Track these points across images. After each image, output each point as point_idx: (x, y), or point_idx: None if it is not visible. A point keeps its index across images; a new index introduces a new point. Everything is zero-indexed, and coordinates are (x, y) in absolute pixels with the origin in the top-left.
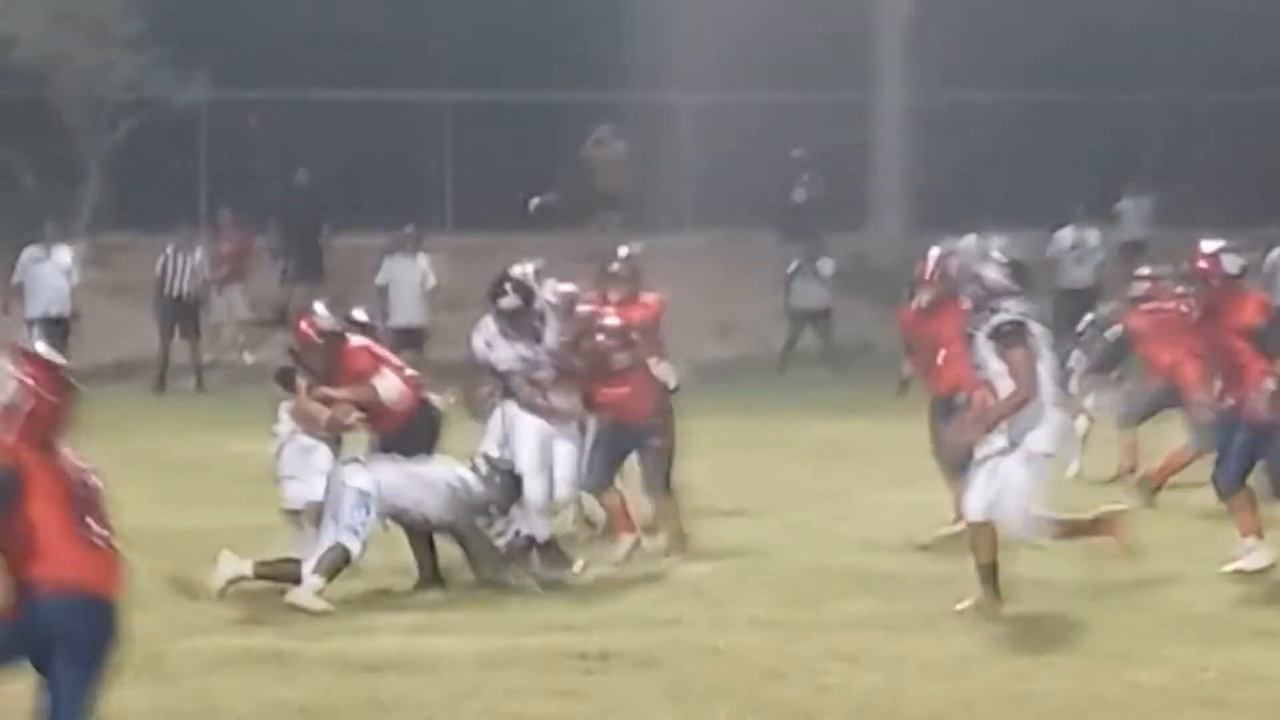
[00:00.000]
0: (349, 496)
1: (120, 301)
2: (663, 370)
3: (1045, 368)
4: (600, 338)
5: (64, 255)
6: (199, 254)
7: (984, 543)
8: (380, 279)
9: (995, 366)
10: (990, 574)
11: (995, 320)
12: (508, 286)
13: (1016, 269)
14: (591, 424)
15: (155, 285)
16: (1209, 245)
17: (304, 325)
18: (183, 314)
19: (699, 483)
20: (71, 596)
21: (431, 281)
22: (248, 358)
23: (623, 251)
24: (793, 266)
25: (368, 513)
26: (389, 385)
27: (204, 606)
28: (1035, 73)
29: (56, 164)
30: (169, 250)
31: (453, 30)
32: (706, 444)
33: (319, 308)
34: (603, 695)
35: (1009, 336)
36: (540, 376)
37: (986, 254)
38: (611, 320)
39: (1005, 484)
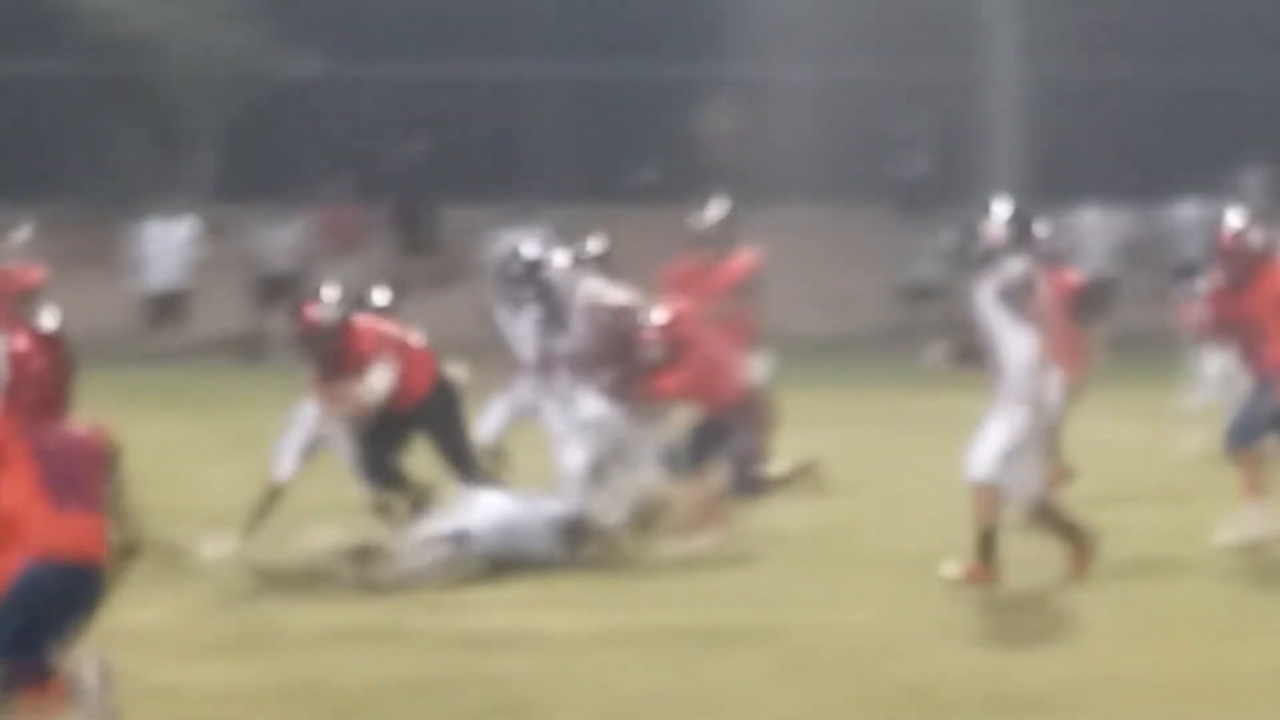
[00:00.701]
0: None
1: (232, 276)
2: (748, 364)
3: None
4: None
5: (180, 229)
6: (296, 228)
7: (986, 505)
8: (496, 252)
9: (998, 324)
10: (989, 542)
11: (1002, 278)
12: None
13: (1020, 225)
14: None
15: (252, 260)
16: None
17: (307, 312)
18: (280, 289)
19: (811, 457)
20: (47, 563)
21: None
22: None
23: (712, 212)
24: (906, 242)
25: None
26: (381, 376)
27: (314, 582)
28: (1149, 44)
29: (167, 138)
30: (267, 225)
31: (562, 3)
32: (816, 418)
33: (325, 293)
34: (714, 672)
35: (1018, 294)
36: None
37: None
38: (658, 316)
39: (1014, 449)
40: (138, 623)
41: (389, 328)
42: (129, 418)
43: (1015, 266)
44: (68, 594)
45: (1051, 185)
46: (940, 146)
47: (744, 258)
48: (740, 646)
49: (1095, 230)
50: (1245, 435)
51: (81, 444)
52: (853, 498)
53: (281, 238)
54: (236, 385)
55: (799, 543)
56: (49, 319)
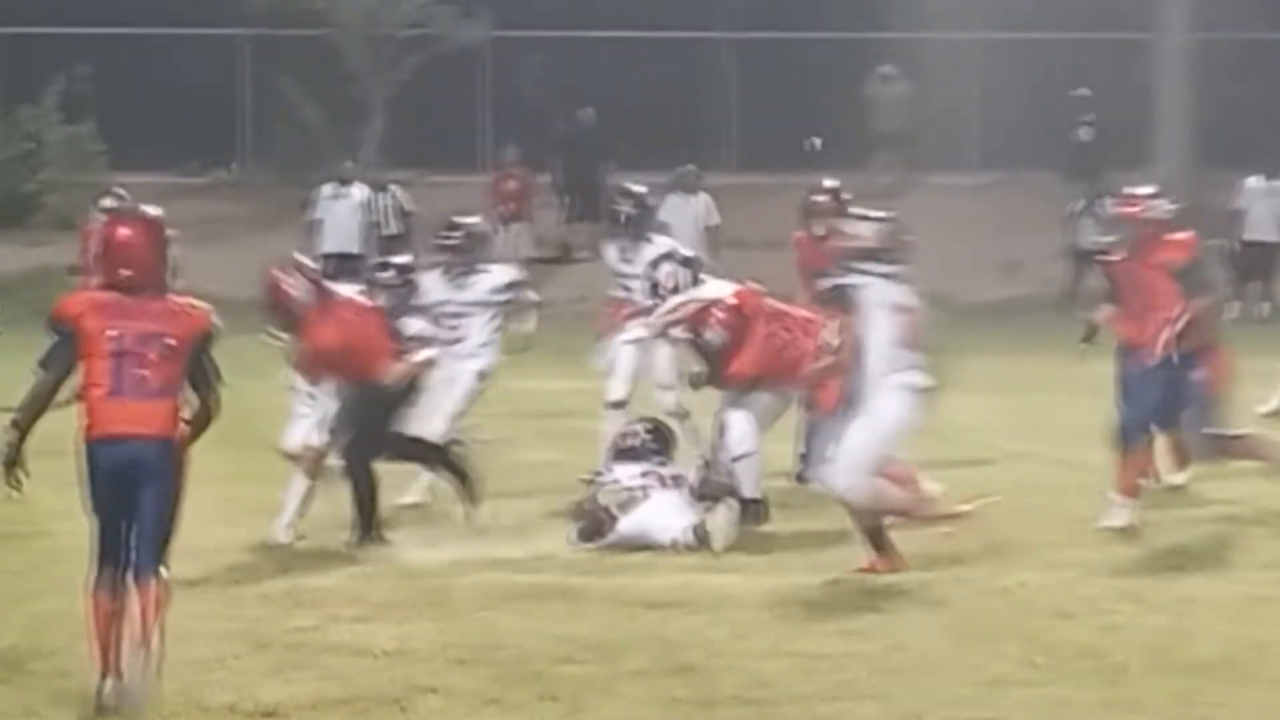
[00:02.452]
0: None
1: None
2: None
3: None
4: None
5: (358, 193)
6: (393, 194)
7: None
8: (660, 216)
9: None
10: (876, 535)
11: (832, 282)
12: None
13: (893, 228)
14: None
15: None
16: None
17: (278, 281)
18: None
19: (981, 422)
20: (116, 441)
21: (715, 220)
22: (532, 295)
23: (827, 183)
24: (1076, 206)
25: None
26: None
27: (487, 542)
28: None
29: (341, 102)
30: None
31: None
32: (988, 383)
33: (300, 259)
34: (887, 634)
35: (835, 303)
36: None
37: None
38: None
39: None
40: (316, 584)
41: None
42: None
43: (867, 274)
44: (116, 470)
45: (1219, 151)
46: (1111, 111)
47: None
48: (912, 609)
49: (1259, 196)
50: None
51: (162, 328)
52: (1028, 461)
53: (381, 203)
54: None
55: (972, 505)
56: (150, 209)
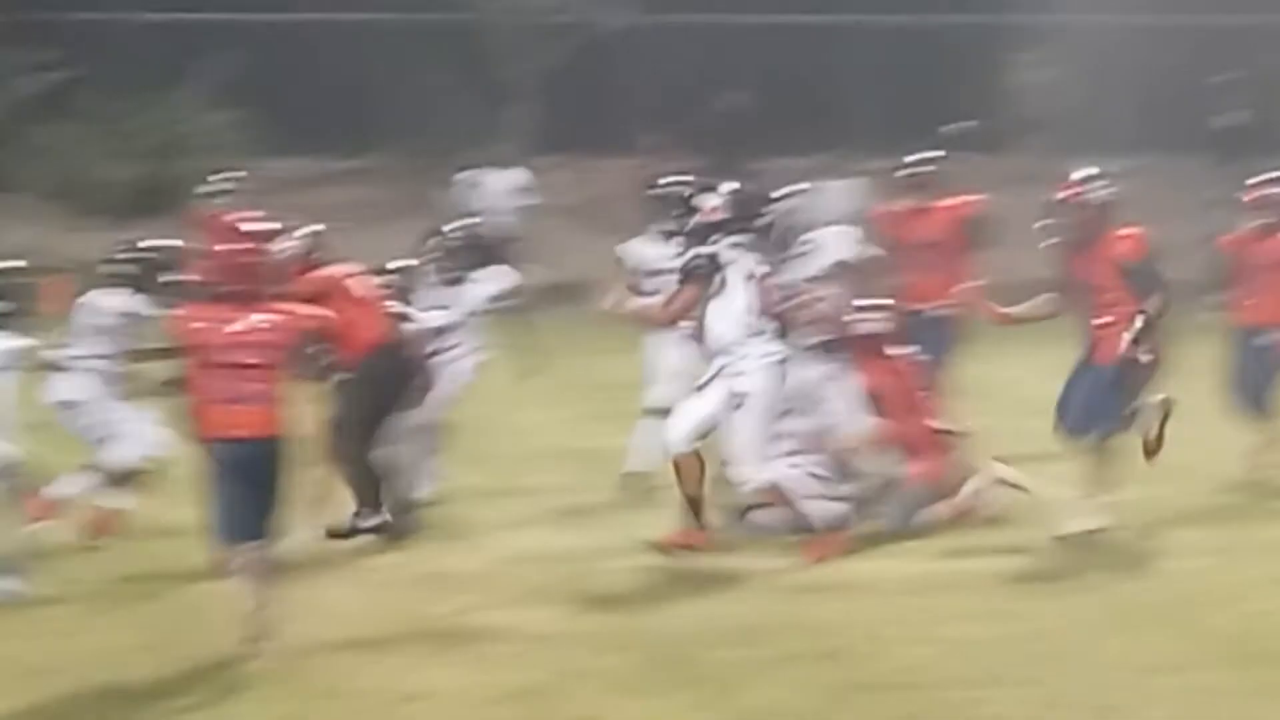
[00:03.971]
0: None
1: (548, 225)
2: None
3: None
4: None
5: (514, 176)
6: (511, 176)
7: (688, 474)
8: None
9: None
10: (694, 506)
11: (688, 256)
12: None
13: (742, 201)
14: None
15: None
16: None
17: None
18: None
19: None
20: (228, 442)
21: (859, 205)
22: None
23: (914, 157)
24: (1225, 191)
25: None
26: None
27: (637, 527)
28: None
29: (487, 88)
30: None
31: None
32: None
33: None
34: (1037, 618)
35: (688, 275)
36: None
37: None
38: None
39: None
40: (465, 570)
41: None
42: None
43: (717, 245)
44: (230, 465)
45: None
46: (1260, 96)
47: (955, 206)
48: (1060, 595)
49: None
50: None
51: (263, 334)
52: (1173, 449)
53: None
54: (566, 331)
55: (1121, 491)
56: (253, 220)
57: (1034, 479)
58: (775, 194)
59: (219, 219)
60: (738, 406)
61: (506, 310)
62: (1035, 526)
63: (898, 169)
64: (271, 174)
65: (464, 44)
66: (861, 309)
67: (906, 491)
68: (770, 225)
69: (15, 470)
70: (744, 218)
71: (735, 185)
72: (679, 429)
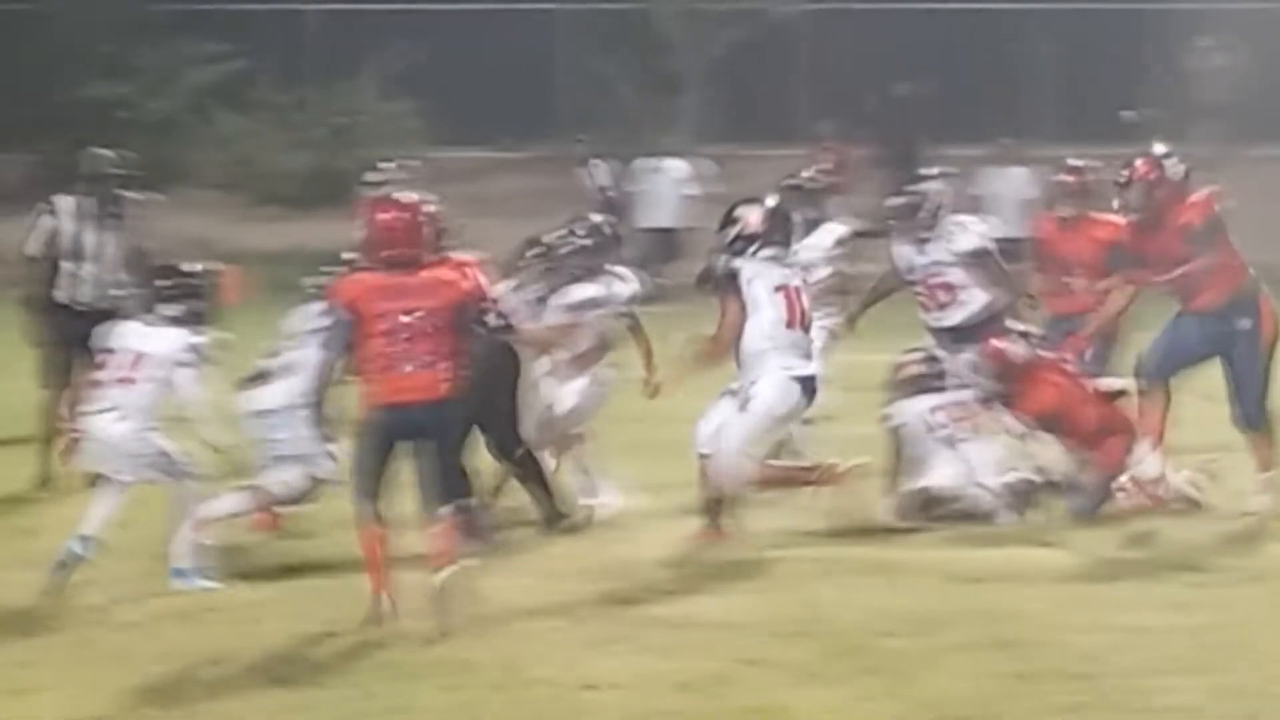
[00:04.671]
0: None
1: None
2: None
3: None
4: None
5: (676, 168)
6: (679, 166)
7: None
8: (976, 190)
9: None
10: (714, 508)
11: (720, 265)
12: None
13: (779, 218)
14: None
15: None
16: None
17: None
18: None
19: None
20: (396, 408)
21: (1031, 193)
22: (846, 268)
23: (1072, 161)
24: None
25: None
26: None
27: (808, 515)
28: None
29: (656, 77)
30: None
31: None
32: None
33: None
34: (1210, 609)
35: (716, 291)
36: None
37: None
38: None
39: (723, 425)
40: (634, 557)
41: None
42: (616, 354)
43: (751, 258)
44: (395, 431)
45: None
46: None
47: (1111, 223)
48: (1232, 584)
49: None
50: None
51: (425, 301)
52: None
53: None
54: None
55: None
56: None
57: (1214, 467)
58: (923, 173)
59: (376, 202)
60: (743, 406)
61: (645, 304)
62: (1214, 516)
63: (1061, 170)
64: (443, 163)
65: (636, 32)
66: (1009, 335)
67: (1090, 480)
68: (915, 204)
69: (186, 468)
70: (781, 231)
71: (773, 200)
72: (701, 431)
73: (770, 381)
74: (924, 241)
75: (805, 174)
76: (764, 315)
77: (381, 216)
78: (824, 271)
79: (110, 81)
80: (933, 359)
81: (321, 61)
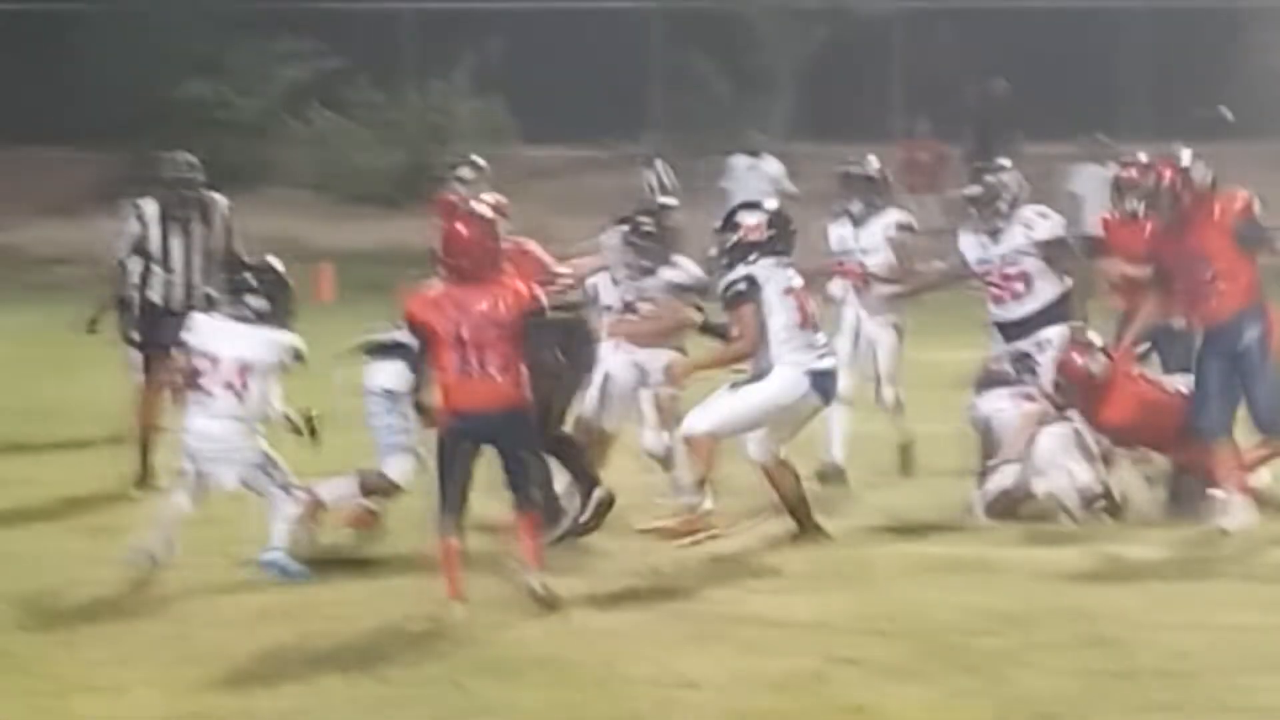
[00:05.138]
0: None
1: (814, 212)
2: None
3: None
4: None
5: (772, 165)
6: (766, 165)
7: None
8: (1071, 187)
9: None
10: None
11: (726, 280)
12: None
13: (779, 221)
14: None
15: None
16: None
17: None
18: None
19: None
20: (469, 415)
21: None
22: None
23: (1140, 155)
24: None
25: None
26: None
27: (903, 513)
28: None
29: (750, 74)
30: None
31: None
32: None
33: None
34: None
35: (733, 299)
36: None
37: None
38: None
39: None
40: (730, 555)
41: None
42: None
43: (752, 267)
44: (470, 438)
45: None
46: None
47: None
48: None
49: None
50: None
51: (494, 311)
52: None
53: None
54: None
55: None
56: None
57: None
58: (992, 165)
59: (451, 203)
60: (746, 382)
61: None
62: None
63: (1125, 167)
64: (535, 161)
65: (723, 31)
66: (1079, 348)
67: (1184, 480)
68: (994, 193)
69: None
70: (784, 237)
71: (775, 205)
72: (703, 416)
73: (779, 373)
74: (997, 232)
75: (854, 164)
76: (777, 319)
77: (457, 228)
78: (882, 256)
79: (205, 80)
80: (1023, 356)
81: (414, 60)
